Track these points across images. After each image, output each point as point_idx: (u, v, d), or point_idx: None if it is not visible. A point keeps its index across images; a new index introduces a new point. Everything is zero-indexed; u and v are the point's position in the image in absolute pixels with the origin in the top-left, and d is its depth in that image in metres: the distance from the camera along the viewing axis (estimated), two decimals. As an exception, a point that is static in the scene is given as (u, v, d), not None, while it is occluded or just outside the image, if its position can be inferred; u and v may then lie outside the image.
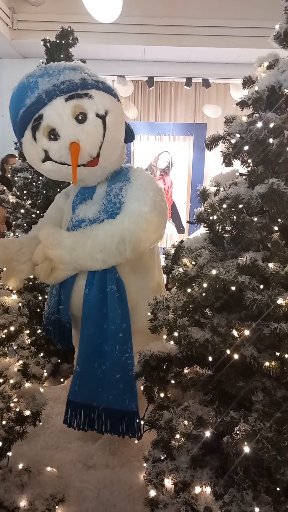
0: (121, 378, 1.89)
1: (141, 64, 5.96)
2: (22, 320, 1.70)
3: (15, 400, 1.63)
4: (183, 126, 6.68)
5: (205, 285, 1.31)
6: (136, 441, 1.67)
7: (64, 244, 1.84)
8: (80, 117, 1.78)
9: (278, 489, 1.35)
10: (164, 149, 6.51)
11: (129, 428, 1.90)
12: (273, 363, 1.25)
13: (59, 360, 2.88)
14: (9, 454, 1.64)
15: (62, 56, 2.87)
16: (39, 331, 2.75)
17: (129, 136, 2.04)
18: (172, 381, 1.58)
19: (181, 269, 1.44)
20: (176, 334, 1.39)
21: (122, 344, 1.90)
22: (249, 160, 1.49)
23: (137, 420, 1.87)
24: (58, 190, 2.73)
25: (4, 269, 1.88)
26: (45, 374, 2.74)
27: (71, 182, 2.08)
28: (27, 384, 1.72)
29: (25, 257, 1.93)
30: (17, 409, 1.61)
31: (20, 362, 1.72)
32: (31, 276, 2.79)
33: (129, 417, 1.90)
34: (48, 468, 1.85)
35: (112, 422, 1.93)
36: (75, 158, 1.77)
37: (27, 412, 1.63)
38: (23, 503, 1.63)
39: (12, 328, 1.65)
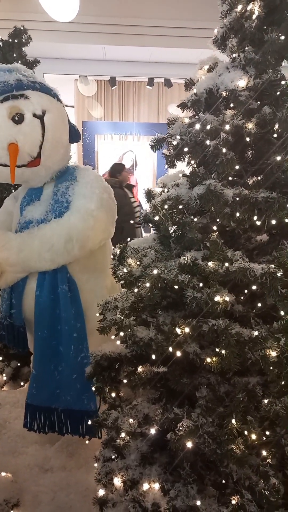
0: (77, 378, 1.89)
1: (102, 63, 5.93)
2: None
3: None
4: (147, 125, 6.72)
5: (148, 284, 1.33)
6: (87, 442, 1.67)
7: (10, 246, 1.84)
8: (17, 118, 1.77)
9: (223, 481, 1.38)
10: (128, 149, 6.53)
11: (90, 428, 1.89)
12: (214, 359, 1.28)
13: (19, 364, 2.84)
14: None
15: (15, 55, 2.83)
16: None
17: (74, 136, 2.04)
18: (125, 381, 1.59)
19: (125, 269, 1.45)
20: (122, 333, 1.41)
21: (77, 344, 1.90)
22: (192, 162, 1.52)
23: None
24: (10, 191, 2.69)
25: None
26: (5, 378, 2.71)
27: (13, 185, 2.05)
28: (-23, 390, 1.70)
29: None
30: None
31: None
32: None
33: (88, 417, 1.88)
34: (3, 474, 1.83)
35: (72, 423, 1.93)
36: (13, 158, 1.76)
37: (-23, 419, 1.61)
38: (-25, 511, 1.61)
39: None
